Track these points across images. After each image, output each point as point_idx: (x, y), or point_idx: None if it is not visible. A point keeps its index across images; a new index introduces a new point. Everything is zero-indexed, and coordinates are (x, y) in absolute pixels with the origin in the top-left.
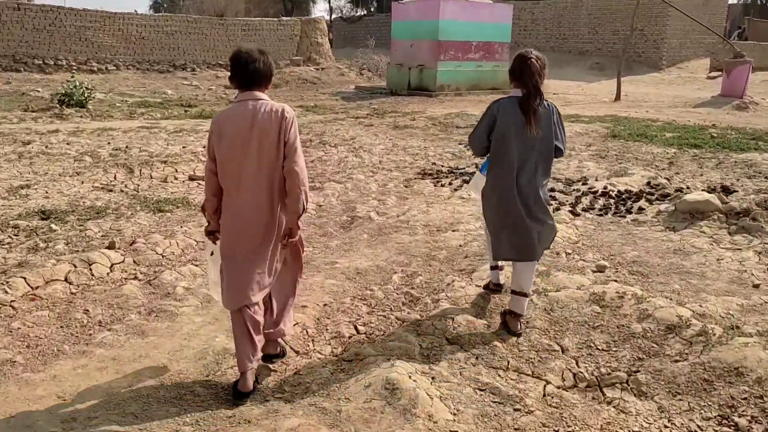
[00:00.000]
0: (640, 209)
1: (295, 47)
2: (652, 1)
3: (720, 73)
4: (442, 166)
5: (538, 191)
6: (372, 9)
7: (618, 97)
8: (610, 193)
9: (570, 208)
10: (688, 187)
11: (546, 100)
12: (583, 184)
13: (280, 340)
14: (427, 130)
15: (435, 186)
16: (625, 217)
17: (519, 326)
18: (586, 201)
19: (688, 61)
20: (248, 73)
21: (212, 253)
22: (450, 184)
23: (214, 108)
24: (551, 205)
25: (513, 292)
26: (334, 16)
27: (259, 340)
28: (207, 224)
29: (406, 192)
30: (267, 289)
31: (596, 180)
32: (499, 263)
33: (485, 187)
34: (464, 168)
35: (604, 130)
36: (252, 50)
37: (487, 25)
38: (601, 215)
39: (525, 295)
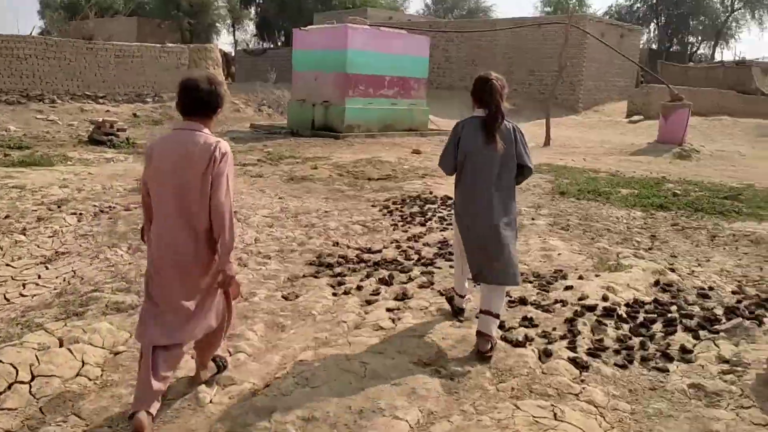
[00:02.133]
0: (685, 351)
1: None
2: (568, 43)
3: (640, 117)
4: (349, 247)
5: (508, 205)
6: (279, 42)
7: (547, 142)
8: (617, 310)
9: (569, 352)
10: (711, 288)
11: (508, 121)
12: (567, 289)
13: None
14: (331, 183)
15: (335, 294)
16: (666, 371)
17: (488, 347)
18: (586, 331)
19: (603, 104)
20: (189, 101)
21: None
22: (359, 288)
23: (56, 151)
24: (517, 226)
25: (481, 311)
26: (238, 48)
27: (159, 387)
28: (148, 249)
29: (282, 312)
30: (187, 334)
31: (581, 278)
32: (464, 293)
33: (456, 205)
34: (381, 251)
35: (546, 184)
36: (201, 78)
37: (402, 58)
38: (624, 367)
39: (494, 315)
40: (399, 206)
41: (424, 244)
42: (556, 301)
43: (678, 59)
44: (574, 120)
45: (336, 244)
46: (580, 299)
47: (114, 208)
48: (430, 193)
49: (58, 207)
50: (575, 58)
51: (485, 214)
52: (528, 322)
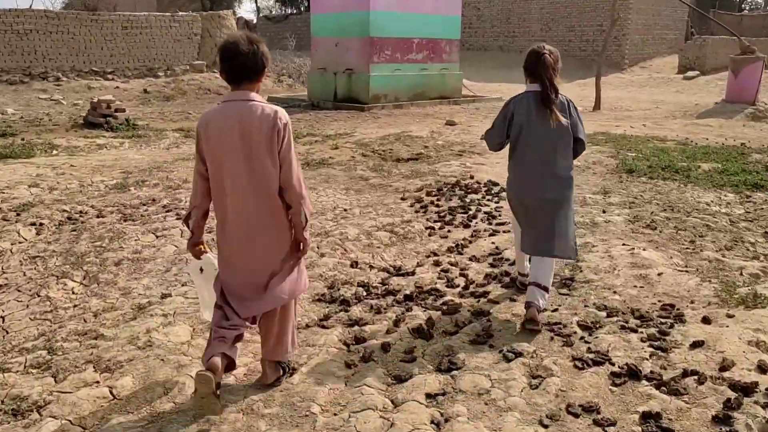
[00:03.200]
0: None
1: (196, 49)
2: None
3: (696, 72)
4: (372, 267)
5: (562, 181)
6: (302, 8)
7: (598, 106)
8: None
9: None
10: None
11: (561, 95)
12: (695, 346)
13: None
14: (353, 168)
15: (349, 365)
16: None
17: (538, 318)
18: None
19: (651, 59)
20: (235, 67)
21: (201, 270)
22: (384, 349)
23: (43, 138)
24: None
25: (530, 284)
26: (260, 15)
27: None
28: (190, 235)
29: (267, 407)
30: (263, 305)
31: (706, 320)
32: (525, 271)
33: (509, 181)
34: (414, 272)
35: (608, 159)
36: (240, 40)
37: (432, 18)
38: None
39: (543, 288)
40: (435, 198)
41: (470, 259)
42: (685, 373)
43: (728, 8)
44: (621, 78)
45: (355, 264)
46: (722, 369)
47: (86, 213)
48: (471, 177)
49: (17, 214)
50: (620, 9)
51: (541, 189)
52: (653, 423)
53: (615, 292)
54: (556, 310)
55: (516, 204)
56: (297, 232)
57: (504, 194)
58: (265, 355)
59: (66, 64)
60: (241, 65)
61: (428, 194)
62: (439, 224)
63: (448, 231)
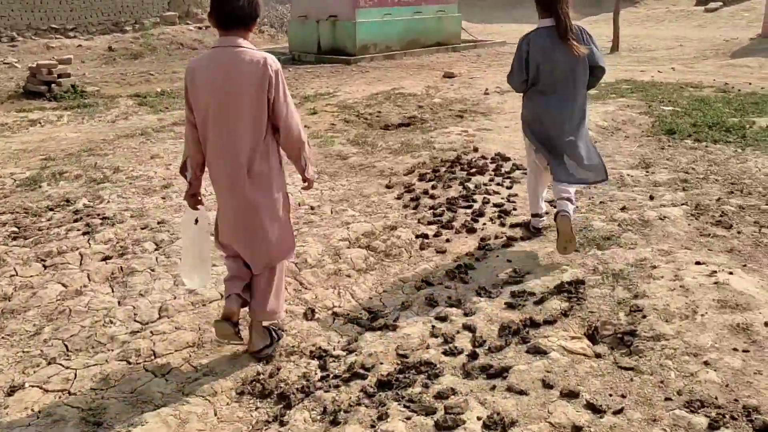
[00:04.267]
0: None
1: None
2: None
3: (718, 2)
4: (336, 315)
5: (582, 114)
6: None
7: (616, 46)
8: None
9: None
10: None
11: (575, 24)
12: None
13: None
14: (330, 141)
15: None
16: None
17: (568, 214)
18: None
19: None
20: (226, 13)
21: (197, 221)
22: None
23: None
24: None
25: (560, 199)
26: None
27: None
28: (188, 186)
29: None
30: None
31: None
32: (541, 212)
33: (527, 118)
34: (397, 321)
35: (641, 116)
36: None
37: None
38: None
39: (569, 199)
40: (429, 185)
41: (479, 292)
42: None
43: None
44: (635, 13)
45: (311, 313)
46: None
47: None
48: (475, 150)
49: None
50: None
51: (564, 122)
52: None
53: (707, 365)
54: (619, 411)
55: (537, 138)
56: (300, 173)
57: (516, 173)
58: (252, 315)
59: (21, 22)
60: (233, 11)
61: (421, 178)
62: (434, 228)
63: (447, 240)
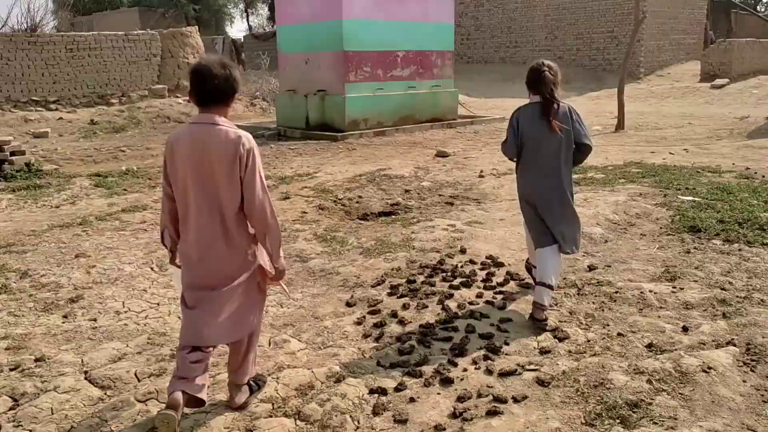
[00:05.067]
0: None
1: (156, 72)
2: None
3: (725, 80)
4: None
5: (563, 187)
6: None
7: (621, 125)
8: None
9: None
10: None
11: (563, 103)
12: None
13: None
14: (294, 238)
15: None
16: None
17: (543, 316)
18: None
19: (668, 66)
20: (205, 90)
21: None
22: None
23: None
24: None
25: (537, 283)
26: (244, 34)
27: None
28: (170, 254)
29: None
30: (225, 335)
31: None
32: (546, 282)
33: (519, 187)
34: None
35: (656, 207)
36: (213, 63)
37: (419, 27)
38: None
39: (548, 286)
40: (401, 301)
41: None
42: None
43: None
44: (638, 89)
45: None
46: None
47: None
48: (462, 252)
49: None
50: (632, 13)
51: (547, 193)
52: None
53: None
54: None
55: (525, 205)
56: (273, 259)
57: (511, 286)
58: (230, 379)
59: (1, 94)
60: (211, 89)
61: (391, 292)
62: (397, 375)
63: (411, 399)
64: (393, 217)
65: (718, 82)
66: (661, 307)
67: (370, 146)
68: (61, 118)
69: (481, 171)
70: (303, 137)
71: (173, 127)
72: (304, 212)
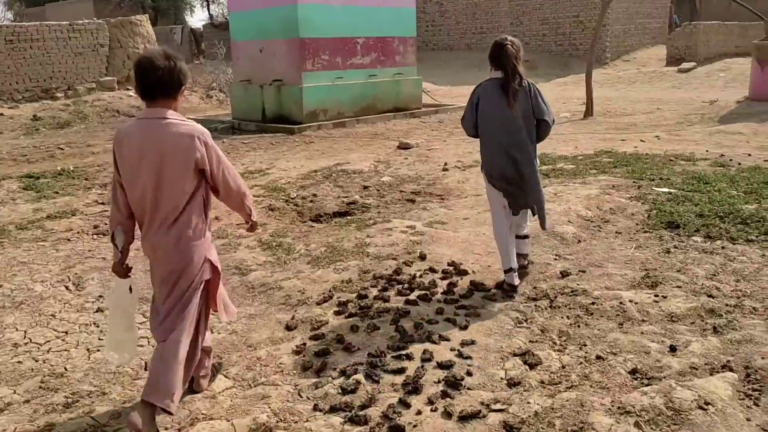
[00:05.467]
0: None
1: (104, 63)
2: None
3: (692, 63)
4: None
5: (530, 159)
6: None
7: (590, 111)
8: None
9: None
10: None
11: (525, 80)
12: None
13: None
14: (235, 246)
15: None
16: None
17: (526, 262)
18: None
19: (634, 51)
20: (149, 84)
21: (131, 289)
22: None
23: None
24: (540, 173)
25: (517, 237)
26: (204, 23)
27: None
28: (118, 256)
29: None
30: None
31: None
32: (513, 266)
33: (483, 162)
34: None
35: (630, 201)
36: (156, 55)
37: (380, 12)
38: None
39: (525, 236)
40: (349, 321)
41: None
42: None
43: None
44: (605, 74)
45: None
46: None
47: None
48: (422, 258)
49: None
50: None
51: (511, 168)
52: None
53: None
54: None
55: (493, 183)
56: (245, 219)
57: (475, 298)
58: (142, 394)
59: None
60: (155, 82)
61: (339, 311)
62: (337, 423)
63: None
64: (348, 218)
65: (685, 66)
66: (643, 320)
67: (329, 139)
68: (1, 114)
69: (446, 164)
70: (258, 130)
71: (123, 121)
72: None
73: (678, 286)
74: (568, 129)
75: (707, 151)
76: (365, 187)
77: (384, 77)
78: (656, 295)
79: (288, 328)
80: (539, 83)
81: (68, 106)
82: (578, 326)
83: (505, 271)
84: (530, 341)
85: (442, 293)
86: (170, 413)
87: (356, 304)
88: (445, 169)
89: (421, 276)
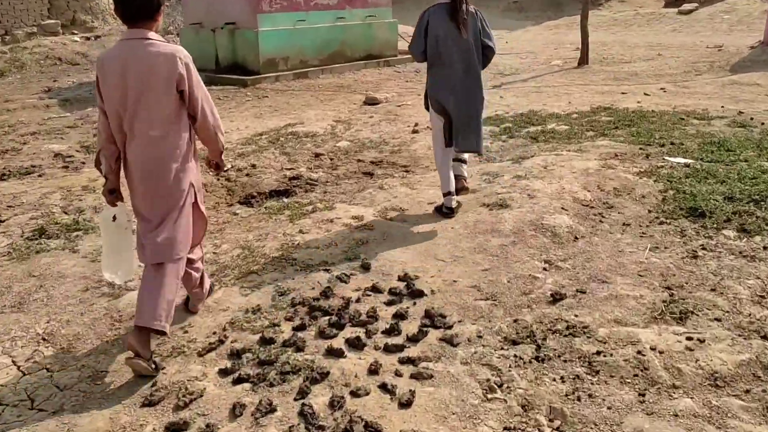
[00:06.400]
0: None
1: (46, 4)
2: None
3: (693, 4)
4: None
5: (477, 84)
6: None
7: (585, 59)
8: None
9: None
10: None
11: (471, 6)
12: None
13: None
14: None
15: None
16: None
17: (462, 184)
18: None
19: None
20: (129, 5)
21: (114, 218)
22: None
23: None
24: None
25: (454, 160)
26: None
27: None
28: (105, 181)
29: None
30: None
31: None
32: (451, 190)
33: (429, 88)
34: None
35: (639, 178)
36: None
37: None
38: None
39: (463, 161)
40: (237, 390)
41: None
42: None
43: None
44: (600, 17)
45: None
46: None
47: None
48: (365, 268)
49: None
50: None
51: (459, 93)
52: None
53: None
54: None
55: (439, 108)
56: (213, 156)
57: (431, 338)
58: (135, 319)
59: None
60: (135, 3)
61: (227, 369)
62: None
63: None
64: (286, 200)
65: (686, 7)
66: (674, 386)
67: (286, 93)
68: None
69: (416, 124)
70: (208, 81)
71: (66, 69)
72: None
73: (716, 319)
74: (560, 80)
75: (723, 107)
76: (317, 155)
77: (354, 20)
78: (689, 337)
79: (146, 403)
80: (528, 27)
81: (4, 53)
82: (578, 399)
83: (444, 194)
84: (505, 428)
85: (383, 332)
86: (164, 333)
87: (255, 355)
88: (415, 131)
89: (358, 300)
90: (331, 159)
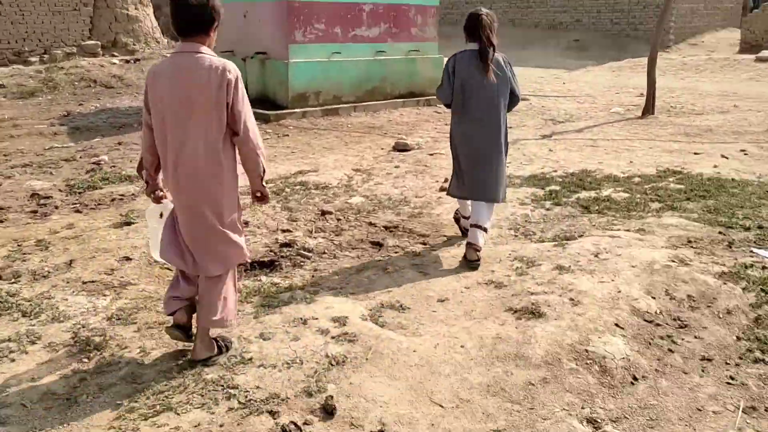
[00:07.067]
0: None
1: (87, 25)
2: None
3: None
4: None
5: (500, 131)
6: None
7: (650, 108)
8: None
9: None
10: None
11: (498, 53)
12: None
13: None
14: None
15: None
16: None
17: (476, 256)
18: None
19: (701, 34)
20: (184, 20)
21: (161, 215)
22: None
23: None
24: (509, 145)
25: (472, 226)
26: None
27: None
28: (146, 184)
29: None
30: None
31: None
32: (467, 214)
33: (452, 130)
34: None
35: (719, 281)
36: None
37: None
38: None
39: (483, 228)
40: None
41: None
42: None
43: None
44: (668, 60)
45: None
46: None
47: None
48: (327, 412)
49: None
50: None
51: (480, 139)
52: None
53: None
54: None
55: (460, 152)
56: (254, 184)
57: None
58: (198, 322)
59: None
60: (189, 17)
61: None
62: None
63: None
64: (265, 277)
65: (765, 53)
66: None
67: (310, 132)
68: None
69: (446, 180)
70: None
71: (96, 93)
72: (127, 259)
73: None
74: (620, 132)
75: None
76: (323, 213)
77: (395, 54)
78: None
79: None
80: (589, 67)
81: (39, 73)
82: None
83: (462, 216)
84: None
85: None
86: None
87: None
88: (442, 188)
89: None
90: (339, 219)
